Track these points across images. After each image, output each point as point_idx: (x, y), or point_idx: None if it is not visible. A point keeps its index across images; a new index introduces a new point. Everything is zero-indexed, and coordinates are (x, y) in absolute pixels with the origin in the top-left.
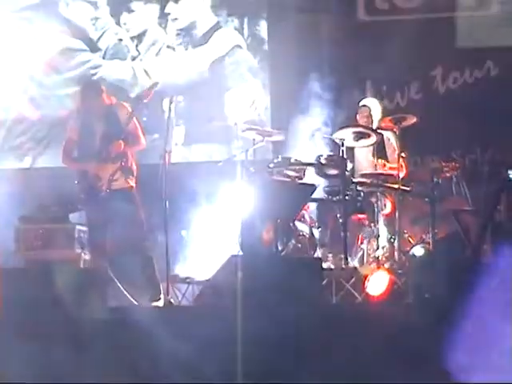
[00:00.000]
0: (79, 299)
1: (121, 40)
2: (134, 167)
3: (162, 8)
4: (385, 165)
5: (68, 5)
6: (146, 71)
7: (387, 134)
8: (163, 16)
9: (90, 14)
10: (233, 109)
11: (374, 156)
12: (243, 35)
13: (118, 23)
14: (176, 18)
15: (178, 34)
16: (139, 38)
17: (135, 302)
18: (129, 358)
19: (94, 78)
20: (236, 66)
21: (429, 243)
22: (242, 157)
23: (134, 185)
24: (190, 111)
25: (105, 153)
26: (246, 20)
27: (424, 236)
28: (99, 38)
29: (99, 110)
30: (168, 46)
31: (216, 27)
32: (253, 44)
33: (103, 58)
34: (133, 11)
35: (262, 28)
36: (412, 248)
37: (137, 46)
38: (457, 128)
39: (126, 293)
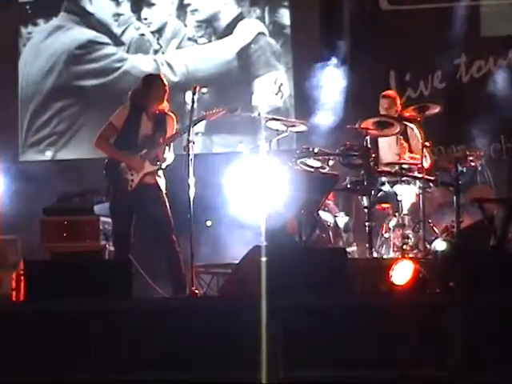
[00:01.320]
0: (104, 290)
1: (143, 35)
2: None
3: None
4: (411, 151)
5: (91, 0)
6: (168, 64)
7: (411, 124)
8: (182, 8)
9: (112, 9)
10: (261, 97)
11: (397, 146)
12: (265, 23)
13: (139, 19)
14: (196, 10)
15: (198, 26)
16: (159, 32)
17: (161, 293)
18: (154, 348)
19: (119, 71)
20: (261, 52)
21: (451, 234)
22: (265, 147)
23: (163, 188)
24: (214, 102)
25: (146, 152)
26: (266, 9)
27: (448, 225)
28: (122, 33)
29: (155, 108)
30: (189, 39)
31: (239, 17)
32: (274, 30)
33: (127, 51)
34: (153, 5)
35: (283, 15)
36: (433, 242)
37: (158, 39)
38: (481, 117)
39: (151, 284)
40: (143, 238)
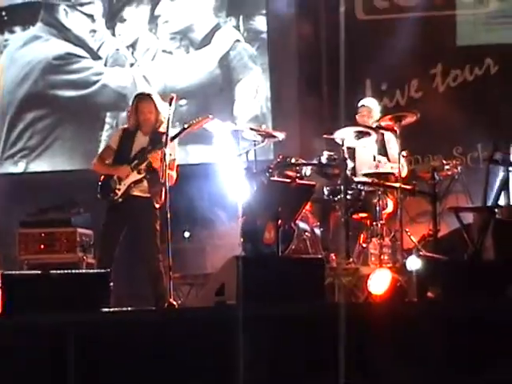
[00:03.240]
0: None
1: (118, 50)
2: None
3: (153, 9)
4: (385, 163)
5: (67, 14)
6: (144, 77)
7: (388, 133)
8: (153, 21)
9: (88, 25)
10: (240, 104)
11: (374, 155)
12: (240, 31)
13: (113, 34)
14: (167, 21)
15: (172, 38)
16: (133, 46)
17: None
18: (132, 360)
19: (97, 84)
20: (239, 57)
21: (428, 243)
22: (243, 158)
23: (157, 205)
24: (194, 114)
25: (136, 163)
26: (241, 18)
27: (425, 234)
28: (99, 48)
29: (149, 126)
30: (163, 51)
31: (216, 28)
32: (249, 36)
33: (105, 65)
34: (125, 20)
35: (259, 22)
36: (406, 259)
37: (132, 53)
38: (457, 126)
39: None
40: (127, 250)
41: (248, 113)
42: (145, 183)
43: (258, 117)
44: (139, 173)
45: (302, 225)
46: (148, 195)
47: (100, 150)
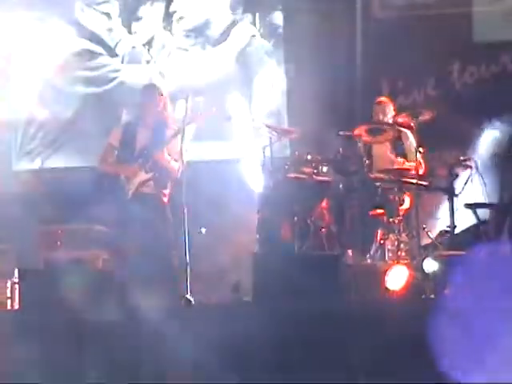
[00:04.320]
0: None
1: (134, 47)
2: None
3: (167, 7)
4: (404, 162)
5: (83, 11)
6: (161, 74)
7: (404, 130)
8: (167, 18)
9: (105, 24)
10: (257, 99)
11: (391, 152)
12: (256, 27)
13: (129, 32)
14: (181, 17)
15: (187, 36)
16: (149, 43)
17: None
18: (149, 357)
19: (115, 81)
20: (256, 52)
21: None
22: (259, 154)
23: (165, 199)
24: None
25: (142, 160)
26: (257, 14)
27: (443, 231)
28: (116, 46)
29: (151, 116)
30: (179, 48)
31: (233, 24)
32: (265, 32)
33: (122, 62)
34: (140, 19)
35: (275, 17)
36: (422, 262)
37: (148, 51)
38: (474, 122)
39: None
40: (140, 247)
41: (264, 108)
42: (150, 184)
43: (274, 112)
44: (146, 172)
45: (319, 221)
46: (156, 191)
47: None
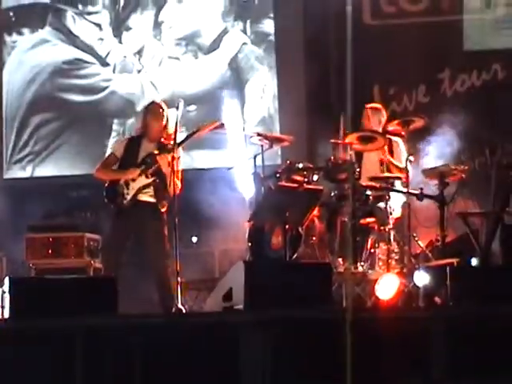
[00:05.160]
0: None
1: (125, 57)
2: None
3: (156, 16)
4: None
5: (75, 21)
6: (152, 83)
7: (395, 138)
8: (157, 27)
9: (96, 34)
10: (249, 106)
11: (382, 161)
12: (247, 34)
13: (120, 42)
14: (170, 27)
15: (178, 44)
16: (140, 53)
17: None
18: (140, 365)
19: (106, 90)
20: (246, 59)
21: (436, 249)
22: (250, 163)
23: (163, 209)
24: (201, 119)
25: (145, 166)
26: (248, 22)
27: (433, 239)
28: (107, 55)
29: (156, 132)
30: (170, 57)
31: (224, 32)
32: (256, 39)
33: (113, 72)
34: (130, 28)
35: (267, 24)
36: (413, 274)
37: (139, 60)
38: (465, 131)
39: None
40: (134, 255)
41: (256, 115)
42: (151, 188)
43: (266, 119)
44: (147, 177)
45: (310, 230)
46: (154, 200)
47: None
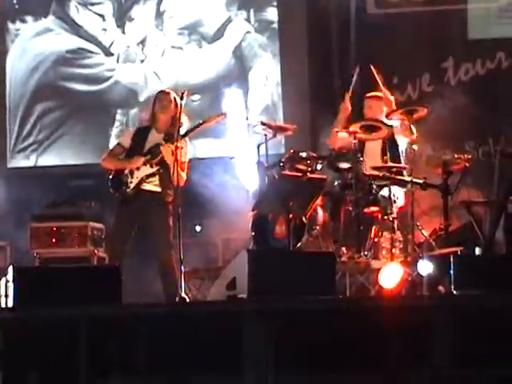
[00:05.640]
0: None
1: (129, 47)
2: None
3: (158, 5)
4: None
5: (78, 11)
6: (156, 73)
7: (397, 127)
8: (159, 17)
9: (99, 24)
10: (253, 92)
11: (384, 150)
12: (250, 23)
13: (123, 32)
14: (172, 17)
15: (180, 34)
16: (143, 43)
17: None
18: (144, 353)
19: (110, 80)
20: (250, 47)
21: (438, 241)
22: (254, 152)
23: (169, 198)
24: (205, 108)
25: (150, 156)
26: (252, 11)
27: (437, 228)
28: (111, 45)
29: (165, 122)
30: (173, 47)
31: (228, 21)
32: (260, 27)
33: (117, 61)
34: (133, 19)
35: (270, 13)
36: (417, 263)
37: (142, 50)
38: (469, 120)
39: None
40: (138, 244)
41: (259, 103)
42: (156, 178)
43: (269, 107)
44: (151, 166)
45: (313, 219)
46: (159, 190)
47: (110, 146)
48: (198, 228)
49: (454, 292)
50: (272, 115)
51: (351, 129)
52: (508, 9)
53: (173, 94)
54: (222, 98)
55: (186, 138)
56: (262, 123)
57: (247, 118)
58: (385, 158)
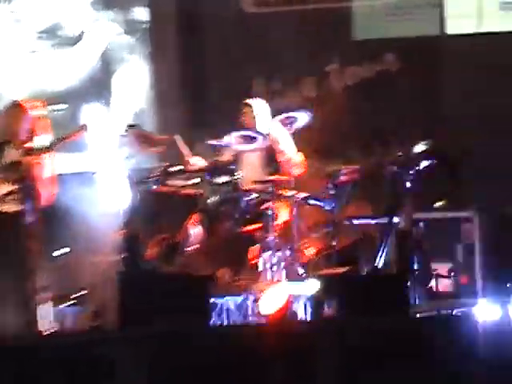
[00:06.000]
0: None
1: None
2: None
3: (13, 7)
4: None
5: None
6: (13, 81)
7: (277, 133)
8: (15, 20)
9: None
10: (120, 99)
11: (264, 162)
12: (118, 23)
13: None
14: (29, 19)
15: (39, 38)
16: None
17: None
18: None
19: None
20: (117, 50)
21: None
22: (123, 165)
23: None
24: (68, 118)
25: (10, 173)
26: (118, 10)
27: (323, 246)
28: None
29: (20, 136)
30: (31, 52)
31: (92, 22)
32: (128, 28)
33: None
34: None
35: (139, 13)
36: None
37: None
38: (357, 127)
39: None
40: None
41: (128, 111)
42: (15, 196)
43: (139, 115)
44: (12, 184)
45: (188, 239)
46: (18, 209)
47: None
48: (62, 250)
49: (339, 315)
50: (143, 123)
51: (226, 139)
52: (396, 6)
53: (28, 105)
54: (87, 106)
55: (51, 152)
56: (132, 133)
57: (115, 128)
58: (269, 170)
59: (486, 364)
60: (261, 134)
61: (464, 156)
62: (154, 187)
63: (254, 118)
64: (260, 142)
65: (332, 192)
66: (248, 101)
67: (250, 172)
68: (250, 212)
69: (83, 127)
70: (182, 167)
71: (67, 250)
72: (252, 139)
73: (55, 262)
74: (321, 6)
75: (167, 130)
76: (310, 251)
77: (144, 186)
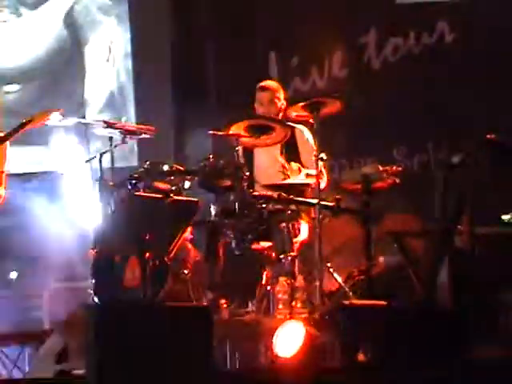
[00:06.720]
0: None
1: None
2: None
3: None
4: (300, 169)
5: None
6: None
7: (299, 128)
8: None
9: None
10: (91, 74)
11: (281, 158)
12: None
13: None
14: None
15: None
16: None
17: None
18: None
19: None
20: (87, 12)
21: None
22: (94, 164)
23: None
24: (26, 102)
25: None
26: None
27: (355, 271)
28: None
29: None
30: None
31: None
32: None
33: None
34: None
35: None
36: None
37: None
38: (399, 117)
39: None
40: None
41: (102, 90)
42: None
43: (116, 97)
44: None
45: (180, 259)
46: None
47: None
48: (13, 275)
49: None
50: (119, 110)
51: (232, 131)
52: None
53: None
54: (50, 88)
55: (7, 143)
56: (105, 122)
57: (84, 116)
58: (282, 170)
59: None
60: (279, 122)
61: None
62: (135, 192)
63: (272, 103)
64: (278, 134)
65: (367, 199)
66: (263, 83)
67: (262, 173)
68: (260, 225)
69: (47, 112)
70: (170, 166)
71: (17, 274)
72: (267, 130)
73: (6, 289)
74: None
75: (152, 112)
76: (338, 277)
77: (122, 189)
